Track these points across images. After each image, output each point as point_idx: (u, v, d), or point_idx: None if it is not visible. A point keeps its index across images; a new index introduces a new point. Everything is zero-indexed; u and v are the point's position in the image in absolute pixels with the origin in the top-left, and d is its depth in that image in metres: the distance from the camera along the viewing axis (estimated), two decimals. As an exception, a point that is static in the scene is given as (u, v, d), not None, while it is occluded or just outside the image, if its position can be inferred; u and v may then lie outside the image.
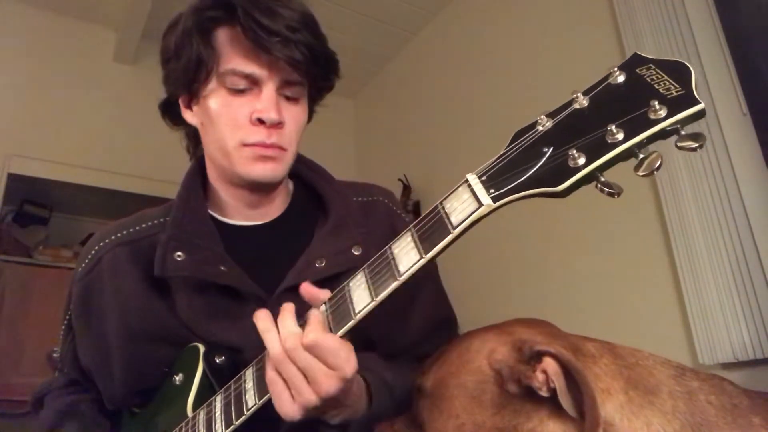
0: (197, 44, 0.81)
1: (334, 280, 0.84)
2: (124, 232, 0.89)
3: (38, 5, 2.80)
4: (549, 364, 0.52)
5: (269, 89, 0.81)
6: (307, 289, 0.66)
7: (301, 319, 0.64)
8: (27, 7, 2.79)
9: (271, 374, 0.62)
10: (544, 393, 0.52)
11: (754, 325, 1.44)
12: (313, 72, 0.84)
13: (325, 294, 0.65)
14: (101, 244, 0.89)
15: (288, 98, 0.85)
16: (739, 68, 1.63)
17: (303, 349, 0.59)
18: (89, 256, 0.88)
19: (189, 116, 0.89)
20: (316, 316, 0.62)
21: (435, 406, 0.60)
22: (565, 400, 0.51)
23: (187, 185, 0.90)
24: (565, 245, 2.03)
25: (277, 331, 0.62)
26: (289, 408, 0.61)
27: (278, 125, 0.82)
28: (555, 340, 0.56)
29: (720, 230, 1.54)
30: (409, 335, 0.89)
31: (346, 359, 0.60)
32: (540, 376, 0.52)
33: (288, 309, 0.64)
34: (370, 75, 3.45)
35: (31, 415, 0.94)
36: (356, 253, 0.85)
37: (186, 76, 0.83)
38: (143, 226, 0.90)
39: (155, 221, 0.90)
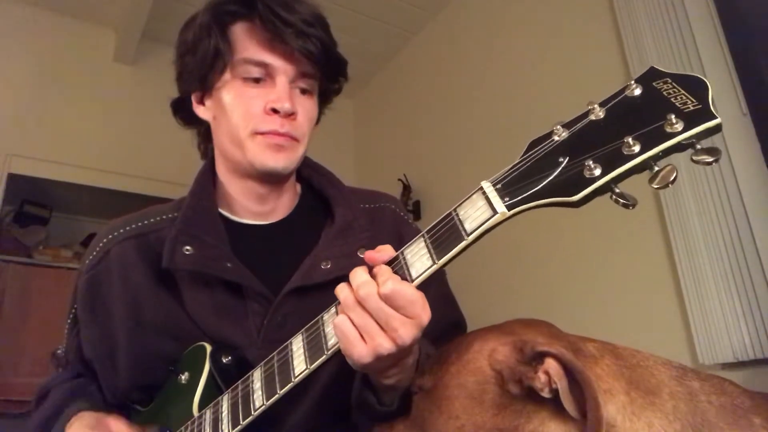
0: (215, 37, 0.83)
1: (339, 282, 0.85)
2: (133, 225, 0.90)
3: (38, 5, 2.80)
4: (551, 364, 0.52)
5: (283, 80, 0.84)
6: (368, 255, 0.63)
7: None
8: (27, 7, 2.79)
9: (340, 318, 0.59)
10: (545, 394, 0.52)
11: (754, 325, 1.44)
12: (325, 67, 0.86)
13: (386, 255, 0.61)
14: (109, 237, 0.89)
15: (302, 91, 0.87)
16: (739, 68, 1.63)
17: (380, 298, 0.56)
18: (97, 249, 0.89)
19: (201, 111, 0.90)
20: (386, 268, 0.59)
21: (435, 407, 0.60)
22: (567, 401, 0.51)
23: (199, 183, 0.92)
24: (565, 245, 2.03)
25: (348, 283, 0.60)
26: (361, 351, 0.58)
27: (291, 115, 0.84)
28: (556, 341, 0.56)
29: (720, 230, 1.54)
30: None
31: (423, 307, 0.58)
32: (542, 377, 0.52)
33: (361, 266, 0.61)
34: (370, 75, 3.45)
35: (33, 410, 0.94)
36: (361, 256, 0.85)
37: (202, 68, 0.85)
38: (151, 220, 0.90)
39: (164, 216, 0.90)
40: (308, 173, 0.98)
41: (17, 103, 2.67)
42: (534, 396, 0.54)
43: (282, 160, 0.84)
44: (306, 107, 0.87)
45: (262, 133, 0.83)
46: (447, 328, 0.92)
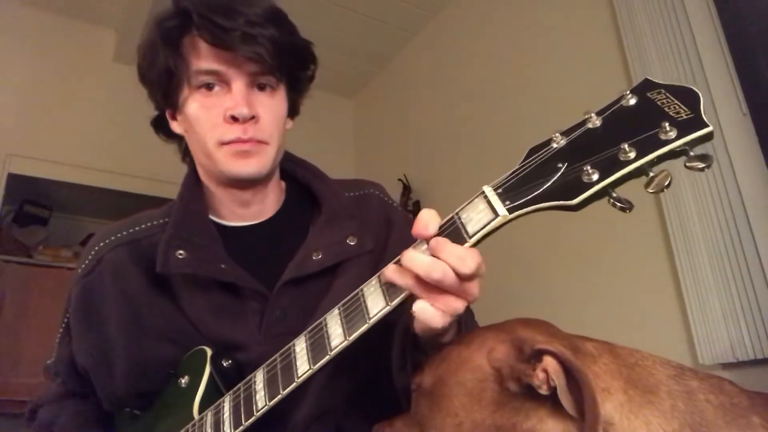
0: (164, 55, 0.83)
1: (332, 271, 0.86)
2: (124, 232, 0.90)
3: (38, 5, 2.80)
4: (549, 362, 0.52)
5: (238, 86, 0.82)
6: (416, 231, 0.59)
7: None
8: (27, 7, 2.79)
9: (422, 305, 0.58)
10: (543, 391, 0.52)
11: (754, 325, 1.44)
12: (280, 64, 0.84)
13: (434, 225, 0.59)
14: (101, 244, 0.89)
15: (261, 88, 0.85)
16: (739, 68, 1.63)
17: (455, 273, 0.55)
18: (89, 257, 0.89)
19: (175, 126, 0.91)
20: (445, 240, 0.56)
21: (434, 404, 0.60)
22: (565, 399, 0.51)
23: (187, 188, 0.92)
24: (565, 245, 2.03)
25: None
26: (440, 320, 0.58)
27: (252, 119, 0.82)
28: (555, 339, 0.56)
29: (720, 230, 1.54)
30: None
31: (480, 262, 0.57)
32: (540, 375, 0.52)
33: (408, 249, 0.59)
34: (370, 75, 3.45)
35: (26, 426, 0.94)
36: (351, 243, 0.86)
37: (161, 88, 0.86)
38: (143, 226, 0.90)
39: (155, 222, 0.91)
40: (292, 169, 0.99)
41: (17, 103, 2.67)
42: (532, 394, 0.54)
43: (252, 166, 0.83)
44: (269, 106, 0.85)
45: (226, 143, 0.82)
46: None
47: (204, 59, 0.82)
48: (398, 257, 0.60)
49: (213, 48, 0.80)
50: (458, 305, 0.58)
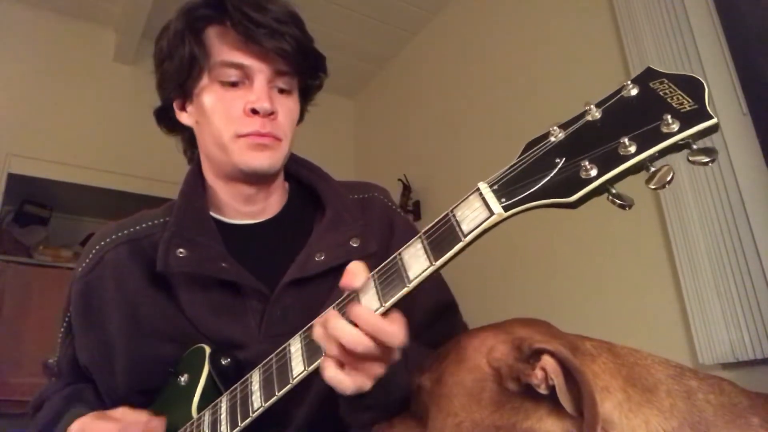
0: (189, 42, 0.83)
1: (334, 272, 0.86)
2: (125, 231, 0.90)
3: (38, 5, 2.80)
4: (548, 361, 0.52)
5: (261, 81, 0.84)
6: (343, 283, 0.62)
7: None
8: (27, 7, 2.79)
9: (333, 372, 0.59)
10: (542, 390, 0.52)
11: (754, 325, 1.44)
12: (301, 65, 0.87)
13: (360, 280, 0.60)
14: (102, 243, 0.89)
15: (281, 91, 0.87)
16: (739, 68, 1.63)
17: (368, 342, 0.57)
18: (90, 256, 0.89)
19: (184, 118, 0.91)
20: (364, 309, 0.58)
21: (434, 405, 0.60)
22: (564, 398, 0.51)
23: (189, 186, 0.92)
24: (565, 245, 2.03)
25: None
26: (352, 386, 0.59)
27: (271, 115, 0.84)
28: (553, 339, 0.56)
29: (720, 230, 1.54)
30: (412, 327, 0.90)
31: (402, 333, 0.59)
32: (539, 374, 0.52)
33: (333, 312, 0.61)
34: (370, 75, 3.45)
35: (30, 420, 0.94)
36: (354, 245, 0.87)
37: (180, 75, 0.86)
38: (144, 225, 0.91)
39: (156, 221, 0.91)
40: (296, 169, 0.99)
41: (17, 103, 2.67)
42: (532, 393, 0.54)
43: (266, 159, 0.84)
44: (286, 106, 0.87)
45: (244, 135, 0.83)
46: (441, 309, 0.94)
47: (230, 51, 0.83)
48: (341, 305, 0.61)
49: (241, 41, 0.82)
50: (381, 371, 0.59)
